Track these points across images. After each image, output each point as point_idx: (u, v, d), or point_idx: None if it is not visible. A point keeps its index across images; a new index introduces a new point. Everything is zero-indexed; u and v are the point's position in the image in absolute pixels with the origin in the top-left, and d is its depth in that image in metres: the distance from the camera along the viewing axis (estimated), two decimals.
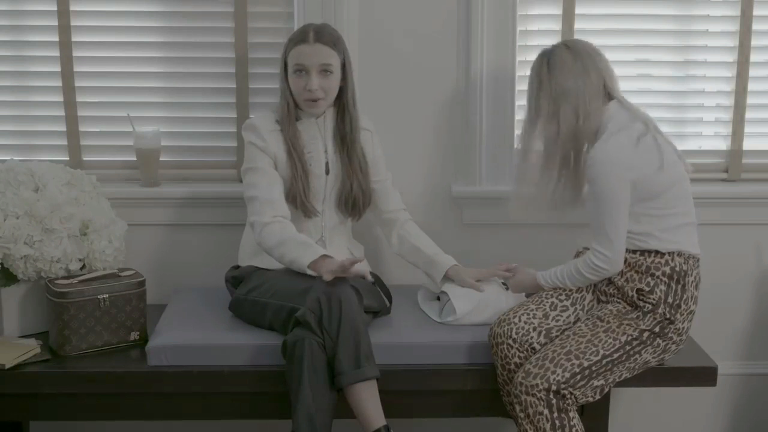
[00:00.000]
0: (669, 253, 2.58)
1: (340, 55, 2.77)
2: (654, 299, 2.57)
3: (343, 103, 2.83)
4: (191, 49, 3.14)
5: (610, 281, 2.64)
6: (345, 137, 2.84)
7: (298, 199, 2.79)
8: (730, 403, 3.38)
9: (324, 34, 2.75)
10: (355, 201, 2.86)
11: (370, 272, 2.91)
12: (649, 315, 2.57)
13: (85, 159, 3.18)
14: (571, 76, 2.60)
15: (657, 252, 2.58)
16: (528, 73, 3.06)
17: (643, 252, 2.59)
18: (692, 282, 2.60)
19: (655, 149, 2.56)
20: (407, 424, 2.97)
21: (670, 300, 2.57)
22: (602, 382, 2.55)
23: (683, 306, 2.58)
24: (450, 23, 3.08)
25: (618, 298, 2.63)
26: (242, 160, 2.87)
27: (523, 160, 2.73)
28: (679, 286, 2.58)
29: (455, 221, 3.21)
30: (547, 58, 2.65)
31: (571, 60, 2.61)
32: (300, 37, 2.75)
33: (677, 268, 2.58)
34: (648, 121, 2.62)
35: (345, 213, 2.89)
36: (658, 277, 2.57)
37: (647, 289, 2.57)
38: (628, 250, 2.60)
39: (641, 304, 2.58)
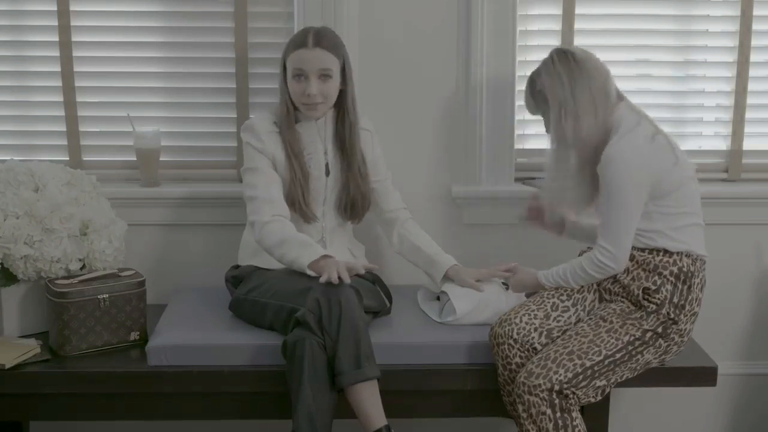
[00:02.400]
0: (677, 253, 2.58)
1: (339, 60, 2.77)
2: (659, 299, 2.56)
3: (343, 107, 2.83)
4: (191, 49, 3.14)
5: (615, 279, 2.63)
6: (345, 141, 2.84)
7: (297, 205, 2.79)
8: (730, 403, 3.38)
9: (323, 39, 2.74)
10: (354, 204, 2.86)
11: (371, 272, 2.91)
12: (652, 315, 2.57)
13: (85, 159, 3.18)
14: (596, 71, 2.59)
15: (665, 251, 2.58)
16: (527, 73, 3.06)
17: (651, 250, 2.59)
18: (698, 284, 2.60)
19: (669, 146, 2.57)
20: (407, 424, 2.97)
21: (675, 300, 2.57)
22: (604, 382, 2.55)
23: (687, 307, 2.58)
24: (450, 23, 3.08)
25: (622, 297, 2.63)
26: (242, 161, 2.87)
27: (562, 158, 2.65)
28: (685, 287, 2.58)
29: (455, 221, 3.21)
30: (569, 53, 2.61)
31: (592, 57, 2.61)
32: (299, 42, 2.75)
33: (685, 269, 2.58)
34: (654, 121, 2.63)
35: (344, 217, 2.89)
36: (665, 276, 2.57)
37: (654, 287, 2.57)
38: (636, 248, 2.59)
39: (646, 303, 2.58)
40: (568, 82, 2.57)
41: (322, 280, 2.52)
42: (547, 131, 2.68)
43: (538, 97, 2.65)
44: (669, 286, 2.57)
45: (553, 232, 2.85)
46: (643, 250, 2.60)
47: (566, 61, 2.59)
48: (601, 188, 2.57)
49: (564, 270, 2.66)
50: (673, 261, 2.58)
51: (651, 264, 2.58)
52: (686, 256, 2.59)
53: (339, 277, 2.53)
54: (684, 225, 2.59)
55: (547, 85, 2.60)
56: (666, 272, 2.57)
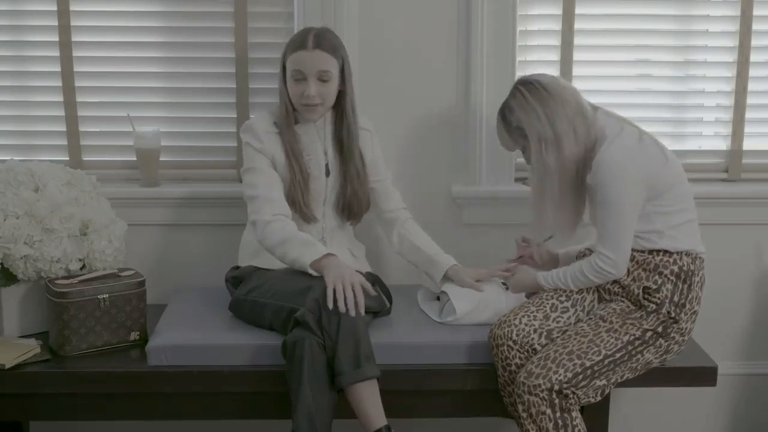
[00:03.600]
0: (677, 252, 2.58)
1: (338, 61, 2.76)
2: (660, 298, 2.57)
3: (342, 108, 2.83)
4: (191, 49, 3.14)
5: (615, 280, 2.63)
6: (345, 141, 2.84)
7: (297, 205, 2.79)
8: (730, 403, 3.38)
9: (323, 41, 2.74)
10: (354, 205, 2.86)
11: (371, 272, 2.91)
12: (652, 315, 2.57)
13: (85, 159, 3.18)
14: (567, 93, 2.58)
15: (665, 251, 2.58)
16: (527, 72, 3.05)
17: (651, 251, 2.59)
18: (698, 282, 2.61)
19: (657, 145, 2.58)
20: (407, 424, 2.96)
21: (675, 299, 2.57)
22: (604, 382, 2.55)
23: (688, 306, 2.58)
24: (450, 23, 3.08)
25: (622, 296, 2.63)
26: (242, 161, 2.87)
27: (547, 188, 2.59)
28: (686, 286, 2.58)
29: (455, 221, 3.21)
30: (536, 83, 2.58)
31: (558, 79, 2.60)
32: (299, 43, 2.74)
33: (685, 268, 2.58)
34: (634, 122, 2.63)
35: (343, 217, 2.89)
36: (665, 275, 2.57)
37: (654, 287, 2.57)
38: (636, 250, 2.59)
39: (646, 303, 2.58)
40: (543, 113, 2.55)
41: (329, 298, 2.48)
42: (528, 162, 2.67)
43: (515, 133, 2.63)
44: (669, 285, 2.57)
45: (548, 268, 2.83)
46: (642, 251, 2.60)
47: (537, 93, 2.57)
48: (596, 196, 2.56)
49: (564, 273, 2.66)
50: (674, 260, 2.58)
51: (651, 264, 2.58)
52: (686, 254, 2.59)
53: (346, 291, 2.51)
54: (681, 222, 2.59)
55: (524, 121, 2.58)
56: (666, 271, 2.57)
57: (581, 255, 2.75)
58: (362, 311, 2.52)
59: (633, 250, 2.59)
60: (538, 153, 2.57)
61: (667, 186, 2.56)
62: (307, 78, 2.72)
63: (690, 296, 2.59)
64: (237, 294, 2.81)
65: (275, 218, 2.71)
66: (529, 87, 2.58)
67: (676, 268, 2.58)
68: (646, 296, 2.58)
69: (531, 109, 2.56)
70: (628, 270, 2.61)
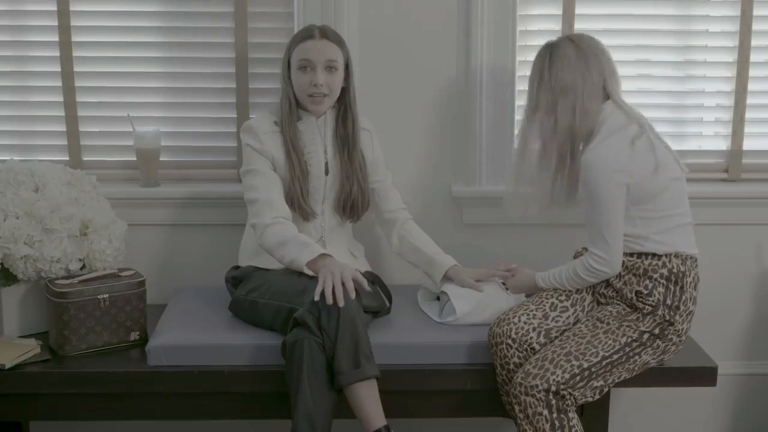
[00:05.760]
0: (666, 255, 2.58)
1: (344, 54, 2.79)
2: (653, 301, 2.56)
3: (344, 105, 2.84)
4: (191, 49, 3.14)
5: (608, 284, 2.64)
6: (347, 138, 2.84)
7: (296, 202, 2.79)
8: (730, 403, 3.38)
9: (329, 32, 2.78)
10: (354, 203, 2.86)
11: (370, 271, 2.91)
12: (648, 317, 2.57)
13: (85, 159, 3.18)
14: (572, 71, 2.58)
15: (654, 254, 2.58)
16: (528, 73, 3.05)
17: (639, 254, 2.59)
18: (691, 282, 2.60)
19: (650, 151, 2.55)
20: (407, 424, 2.97)
21: (668, 302, 2.57)
22: (601, 382, 2.55)
23: (682, 307, 2.58)
24: (450, 23, 3.08)
25: (617, 300, 2.63)
26: (242, 161, 2.87)
27: (521, 157, 2.70)
28: (678, 288, 2.58)
29: (455, 221, 3.21)
30: (550, 50, 2.63)
31: (574, 55, 2.59)
32: (305, 34, 2.77)
33: (675, 270, 2.57)
34: (643, 122, 2.62)
35: (343, 215, 2.88)
36: (656, 279, 2.57)
37: (645, 291, 2.57)
38: (624, 253, 2.59)
39: (640, 305, 2.58)
40: (537, 80, 2.63)
41: (317, 291, 2.47)
42: (527, 107, 2.70)
43: (539, 72, 2.67)
44: (661, 289, 2.57)
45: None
46: (631, 254, 2.59)
47: (541, 58, 2.64)
48: (583, 192, 2.57)
49: (560, 273, 2.67)
50: (662, 263, 2.57)
51: (641, 268, 2.58)
52: (675, 256, 2.58)
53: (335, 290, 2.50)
54: (668, 228, 2.58)
55: (558, 66, 2.61)
56: (656, 275, 2.57)
57: (578, 254, 2.75)
58: (352, 295, 2.50)
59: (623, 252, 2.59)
60: (534, 84, 2.63)
61: (652, 195, 2.55)
62: (315, 67, 2.74)
63: (683, 297, 2.58)
64: (237, 294, 2.81)
65: (275, 221, 2.71)
66: (576, 38, 2.64)
67: (665, 271, 2.57)
68: (639, 300, 2.58)
69: (572, 63, 2.59)
70: (620, 274, 2.60)
